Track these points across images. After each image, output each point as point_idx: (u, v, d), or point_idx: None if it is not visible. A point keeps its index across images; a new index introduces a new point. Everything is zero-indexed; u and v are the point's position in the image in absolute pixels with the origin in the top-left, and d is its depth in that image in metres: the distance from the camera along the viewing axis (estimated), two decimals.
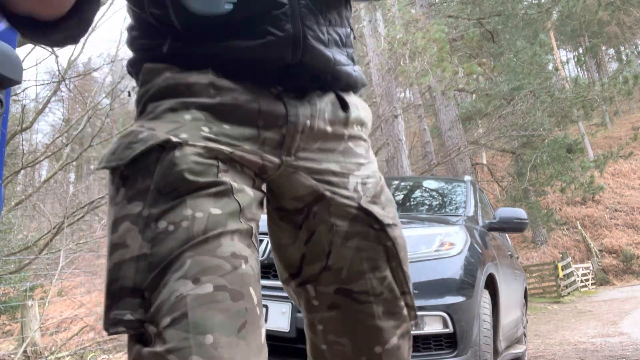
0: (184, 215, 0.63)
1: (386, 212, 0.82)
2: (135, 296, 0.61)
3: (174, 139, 0.65)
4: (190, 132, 0.67)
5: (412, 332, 0.86)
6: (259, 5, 0.70)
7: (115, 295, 0.62)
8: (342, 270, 0.80)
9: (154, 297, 0.61)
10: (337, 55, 0.80)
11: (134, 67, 0.77)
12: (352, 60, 0.86)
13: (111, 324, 0.61)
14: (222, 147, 0.69)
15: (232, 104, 0.71)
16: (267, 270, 2.19)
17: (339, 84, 0.82)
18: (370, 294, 0.80)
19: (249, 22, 0.71)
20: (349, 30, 0.86)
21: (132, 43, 0.77)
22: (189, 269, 0.61)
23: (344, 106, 0.83)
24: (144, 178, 0.64)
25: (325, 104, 0.80)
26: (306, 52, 0.74)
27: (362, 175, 0.83)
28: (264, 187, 0.79)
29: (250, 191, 0.71)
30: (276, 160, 0.75)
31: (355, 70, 0.85)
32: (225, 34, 0.71)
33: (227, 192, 0.67)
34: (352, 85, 0.85)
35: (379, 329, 0.80)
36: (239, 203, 0.67)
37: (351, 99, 0.85)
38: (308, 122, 0.77)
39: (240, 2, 0.66)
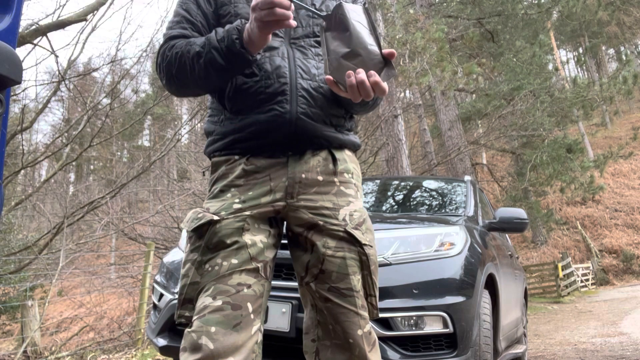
0: (217, 263, 1.12)
1: (365, 236, 1.20)
2: (190, 303, 1.13)
3: (216, 218, 1.14)
4: (227, 209, 1.16)
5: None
6: (271, 94, 1.17)
7: (181, 302, 1.14)
8: (333, 273, 1.16)
9: (196, 304, 1.12)
10: (324, 126, 1.21)
11: (205, 151, 1.29)
12: (347, 130, 1.29)
13: (179, 316, 1.14)
14: (246, 212, 1.16)
15: (254, 182, 1.19)
16: None
17: (331, 145, 1.23)
18: (353, 290, 1.16)
19: (263, 103, 1.17)
20: (342, 111, 1.26)
21: (206, 125, 1.30)
22: (211, 292, 1.10)
23: (334, 160, 1.23)
24: (200, 239, 1.15)
25: (318, 160, 1.21)
26: (299, 123, 1.17)
27: (351, 209, 1.21)
28: (281, 224, 1.24)
29: (261, 243, 1.16)
30: (282, 203, 1.18)
31: (345, 135, 1.27)
32: (249, 111, 1.19)
33: (243, 247, 1.13)
34: (343, 146, 1.26)
35: (360, 316, 1.16)
36: (249, 254, 1.13)
37: (341, 154, 1.26)
38: (303, 175, 1.19)
39: (260, 89, 1.17)
